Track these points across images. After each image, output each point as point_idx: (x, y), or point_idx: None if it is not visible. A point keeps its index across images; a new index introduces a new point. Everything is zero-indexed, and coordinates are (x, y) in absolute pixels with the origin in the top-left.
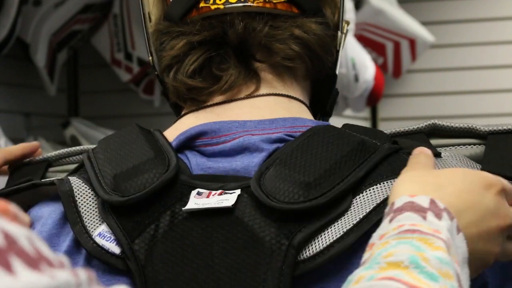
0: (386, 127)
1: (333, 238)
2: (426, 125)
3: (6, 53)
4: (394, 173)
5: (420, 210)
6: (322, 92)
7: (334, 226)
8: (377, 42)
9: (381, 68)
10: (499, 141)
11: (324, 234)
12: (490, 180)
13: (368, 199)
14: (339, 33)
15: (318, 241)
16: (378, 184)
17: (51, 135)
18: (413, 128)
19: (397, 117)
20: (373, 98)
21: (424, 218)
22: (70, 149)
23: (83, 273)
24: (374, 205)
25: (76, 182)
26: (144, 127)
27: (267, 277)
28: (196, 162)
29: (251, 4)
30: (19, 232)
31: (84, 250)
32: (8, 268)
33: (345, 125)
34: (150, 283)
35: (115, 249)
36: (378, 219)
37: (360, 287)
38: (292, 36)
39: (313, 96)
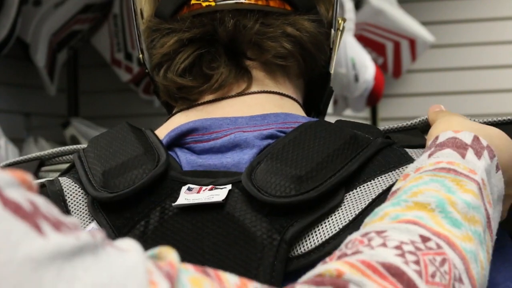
0: None
1: (329, 234)
2: (420, 121)
3: (6, 53)
4: (388, 167)
5: (461, 147)
6: (316, 91)
7: (329, 221)
8: (377, 42)
9: (381, 68)
10: None
11: (319, 229)
12: None
13: (363, 195)
14: (332, 31)
15: (313, 236)
16: (372, 180)
17: (51, 135)
18: (408, 124)
19: (397, 117)
20: (373, 98)
21: (463, 156)
22: (63, 148)
23: (99, 234)
24: (370, 200)
25: (66, 182)
26: (144, 127)
27: (259, 272)
28: (186, 160)
29: (243, 1)
30: (39, 200)
31: None
32: (39, 230)
33: (338, 121)
34: None
35: None
36: None
37: (383, 225)
38: (284, 33)
39: (307, 94)
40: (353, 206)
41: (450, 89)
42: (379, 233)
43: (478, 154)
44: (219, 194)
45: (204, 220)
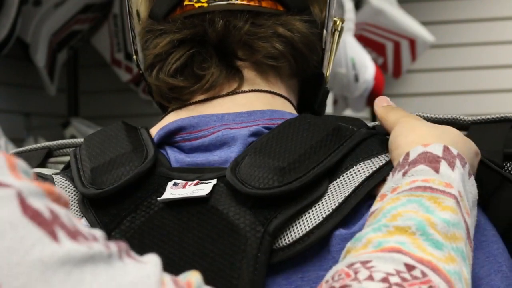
0: None
1: (312, 224)
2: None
3: (6, 53)
4: (371, 154)
5: (433, 161)
6: (310, 91)
7: (312, 211)
8: (377, 42)
9: (381, 68)
10: (480, 130)
11: (302, 220)
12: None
13: (345, 183)
14: (324, 31)
15: (297, 227)
16: (354, 166)
17: (51, 135)
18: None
19: None
20: (373, 98)
21: (437, 170)
22: (72, 140)
23: (113, 246)
24: (353, 187)
25: (59, 180)
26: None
27: (242, 265)
28: (175, 158)
29: (235, 2)
30: (61, 210)
31: None
32: (54, 236)
33: (323, 115)
34: None
35: None
36: (357, 202)
37: (367, 254)
38: (275, 34)
39: (302, 95)
40: (336, 195)
41: (450, 89)
42: (364, 263)
43: (451, 165)
44: (204, 188)
45: (189, 214)
